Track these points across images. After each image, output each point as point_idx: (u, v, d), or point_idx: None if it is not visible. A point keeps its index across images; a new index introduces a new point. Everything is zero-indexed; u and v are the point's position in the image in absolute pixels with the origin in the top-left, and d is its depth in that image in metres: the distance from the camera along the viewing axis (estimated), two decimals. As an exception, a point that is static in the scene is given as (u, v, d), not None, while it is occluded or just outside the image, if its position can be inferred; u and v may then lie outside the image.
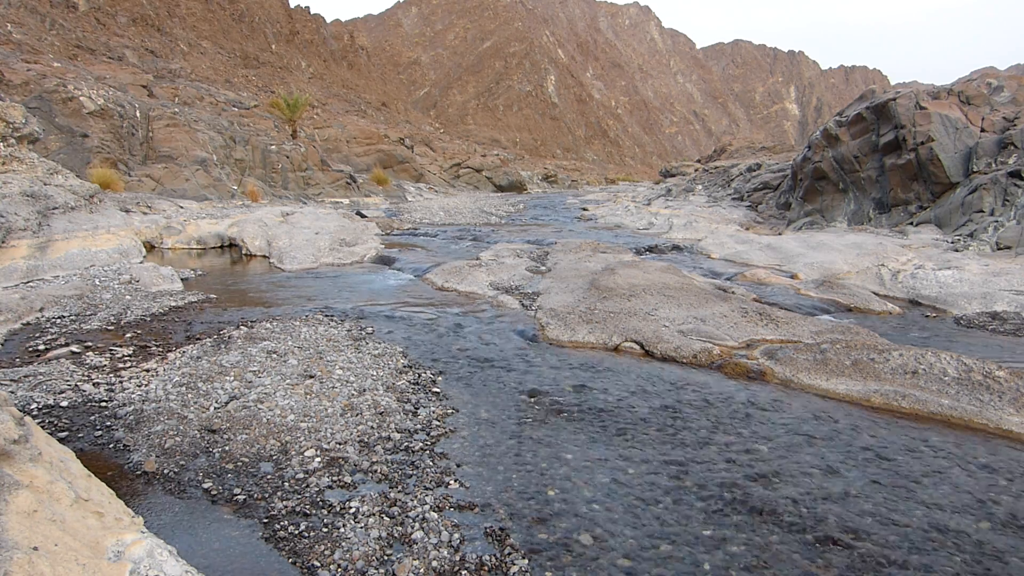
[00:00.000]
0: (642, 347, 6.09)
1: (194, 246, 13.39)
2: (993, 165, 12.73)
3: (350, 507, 3.09)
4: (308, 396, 4.47)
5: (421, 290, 9.27)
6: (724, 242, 14.15)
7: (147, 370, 5.04)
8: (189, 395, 4.42)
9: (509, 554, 2.76)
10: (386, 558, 2.71)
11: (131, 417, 4.09)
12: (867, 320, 7.69)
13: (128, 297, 7.88)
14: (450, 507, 3.13)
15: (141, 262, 10.25)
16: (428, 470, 3.52)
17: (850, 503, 3.25)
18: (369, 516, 3.01)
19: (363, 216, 19.90)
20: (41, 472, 2.33)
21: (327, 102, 58.27)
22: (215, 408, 4.21)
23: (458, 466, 3.60)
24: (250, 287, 9.56)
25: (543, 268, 10.44)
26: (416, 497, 3.20)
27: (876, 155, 14.95)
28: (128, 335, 6.17)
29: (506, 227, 19.85)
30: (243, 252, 13.00)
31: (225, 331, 6.21)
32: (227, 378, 4.74)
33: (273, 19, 71.28)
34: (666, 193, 31.02)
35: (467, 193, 40.62)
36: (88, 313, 6.97)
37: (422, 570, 2.62)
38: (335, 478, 3.39)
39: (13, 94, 18.44)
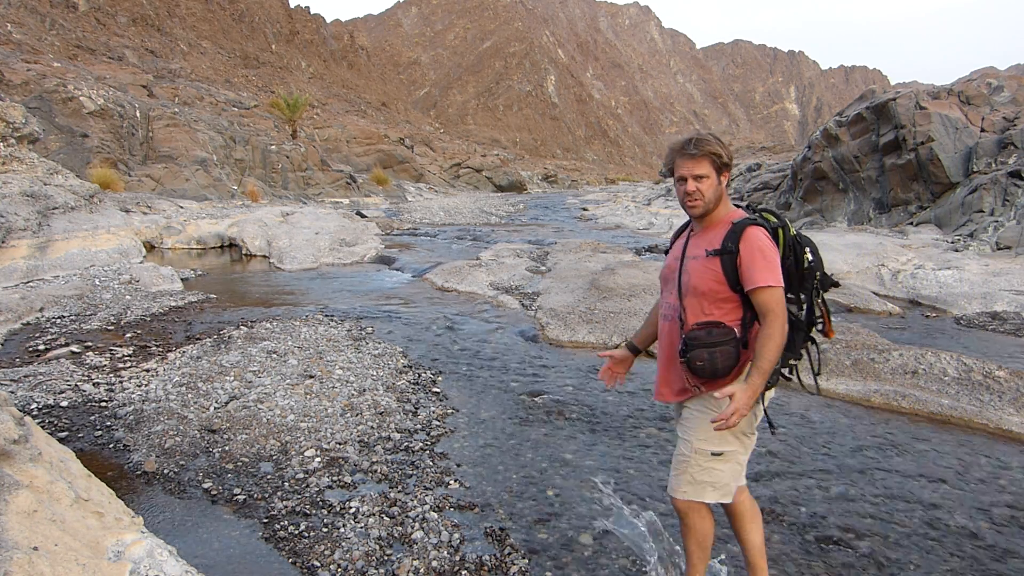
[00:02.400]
0: (642, 347, 6.08)
1: (194, 246, 13.39)
2: (993, 165, 12.72)
3: (350, 507, 3.09)
4: (308, 396, 4.47)
5: (421, 290, 9.27)
6: (724, 242, 14.12)
7: (147, 370, 5.04)
8: (189, 395, 4.42)
9: (509, 554, 2.76)
10: (386, 558, 2.71)
11: (131, 417, 4.09)
12: (867, 320, 7.69)
13: (128, 297, 7.88)
14: (450, 507, 3.13)
15: (141, 262, 10.25)
16: (428, 470, 3.52)
17: (850, 502, 3.25)
18: (369, 516, 3.01)
19: (363, 216, 19.90)
20: (41, 472, 2.33)
21: (327, 102, 58.27)
22: (215, 408, 4.21)
23: (458, 466, 3.60)
24: (250, 287, 9.56)
25: (543, 268, 10.44)
26: (416, 497, 3.20)
27: (876, 155, 14.94)
28: (128, 335, 6.16)
29: (506, 227, 19.86)
30: (243, 252, 13.00)
31: (225, 331, 6.21)
32: (227, 378, 4.74)
33: (273, 19, 71.27)
34: (666, 193, 31.00)
35: (467, 193, 40.61)
36: (88, 313, 6.97)
37: (422, 570, 2.62)
38: (335, 478, 3.38)
39: (13, 94, 18.44)
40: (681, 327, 2.20)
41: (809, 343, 2.23)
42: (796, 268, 2.11)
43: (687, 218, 2.34)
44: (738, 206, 2.27)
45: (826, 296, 2.17)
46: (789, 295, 2.09)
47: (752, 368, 2.03)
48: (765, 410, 2.19)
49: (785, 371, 2.21)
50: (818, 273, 2.13)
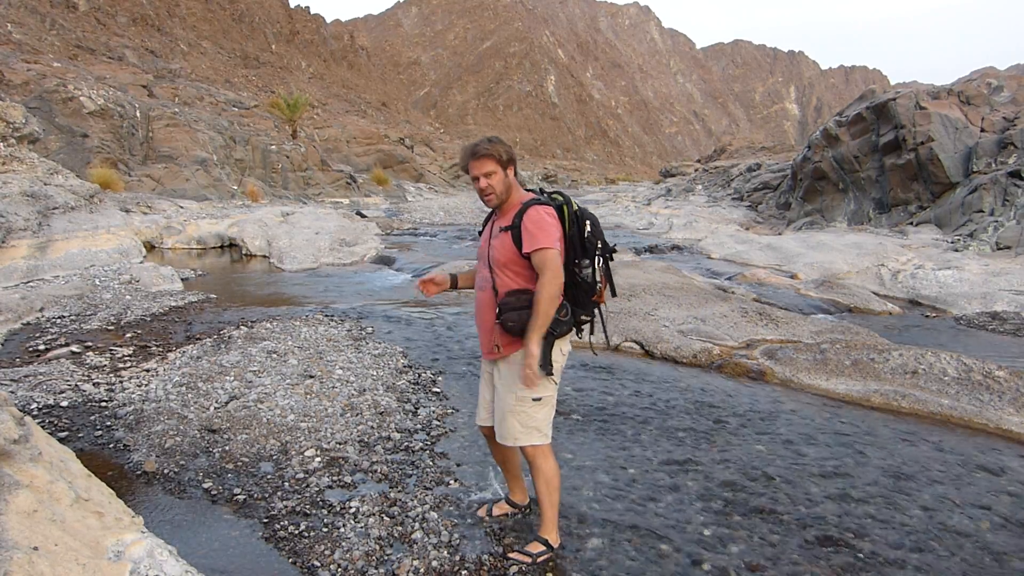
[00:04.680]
0: (642, 347, 6.09)
1: (194, 246, 13.39)
2: (993, 165, 12.72)
3: (350, 507, 3.09)
4: (308, 396, 4.47)
5: (421, 290, 9.26)
6: (724, 242, 14.15)
7: (147, 370, 5.04)
8: (189, 395, 4.42)
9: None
10: (386, 558, 2.71)
11: (131, 417, 4.09)
12: (867, 320, 7.69)
13: (128, 297, 7.88)
14: (450, 506, 3.13)
15: (141, 262, 10.25)
16: (428, 470, 3.52)
17: (849, 502, 3.25)
18: (369, 516, 3.01)
19: (363, 216, 19.90)
20: (41, 472, 2.33)
21: (327, 102, 58.25)
22: (215, 408, 4.21)
23: (458, 466, 3.60)
24: (250, 287, 9.56)
25: (543, 268, 10.42)
26: (416, 497, 3.20)
27: (876, 155, 14.95)
28: (128, 335, 6.16)
29: (506, 227, 19.80)
30: (243, 252, 13.00)
31: (225, 331, 6.21)
32: (227, 378, 4.74)
33: (273, 19, 71.26)
34: (666, 193, 31.01)
35: (467, 193, 40.55)
36: (88, 313, 6.97)
37: (422, 570, 2.62)
38: (335, 478, 3.39)
39: (13, 94, 18.44)
40: (495, 295, 2.59)
41: (599, 304, 2.71)
42: (580, 237, 2.53)
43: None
44: (530, 191, 2.67)
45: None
46: (576, 260, 2.53)
47: (531, 322, 2.44)
48: (550, 353, 2.53)
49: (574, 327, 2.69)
50: (599, 241, 2.55)
